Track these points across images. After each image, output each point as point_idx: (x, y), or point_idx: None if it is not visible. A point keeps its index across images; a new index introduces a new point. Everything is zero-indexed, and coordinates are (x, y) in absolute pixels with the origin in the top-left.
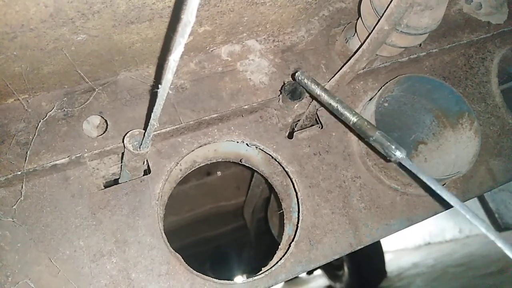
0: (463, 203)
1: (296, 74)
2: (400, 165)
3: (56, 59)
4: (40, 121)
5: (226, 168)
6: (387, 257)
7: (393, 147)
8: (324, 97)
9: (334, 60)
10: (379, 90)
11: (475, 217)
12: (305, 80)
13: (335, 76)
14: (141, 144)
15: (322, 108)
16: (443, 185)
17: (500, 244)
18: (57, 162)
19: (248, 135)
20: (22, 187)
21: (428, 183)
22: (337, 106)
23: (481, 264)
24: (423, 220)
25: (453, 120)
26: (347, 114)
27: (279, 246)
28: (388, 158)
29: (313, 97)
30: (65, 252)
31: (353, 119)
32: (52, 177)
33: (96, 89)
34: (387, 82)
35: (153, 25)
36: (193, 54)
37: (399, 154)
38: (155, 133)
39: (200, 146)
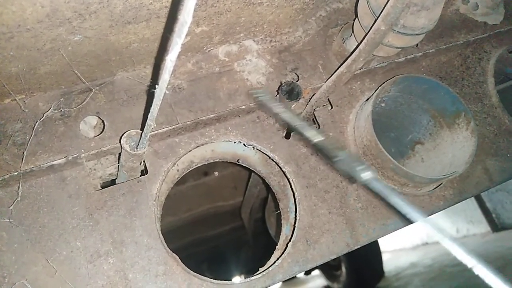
0: (425, 218)
1: (253, 92)
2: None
3: (53, 59)
4: (37, 122)
5: (224, 168)
6: (385, 257)
7: (361, 167)
8: (285, 116)
9: (331, 60)
10: (376, 90)
11: (438, 230)
12: (263, 100)
13: (332, 76)
14: (138, 144)
15: (320, 108)
16: (440, 185)
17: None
18: (54, 162)
19: (245, 135)
20: (19, 188)
21: (394, 203)
22: (295, 126)
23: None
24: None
25: (449, 120)
26: (308, 133)
27: (276, 246)
28: (354, 179)
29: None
30: (62, 253)
31: (315, 138)
32: (49, 178)
33: (93, 90)
34: (384, 82)
35: (150, 25)
36: (190, 54)
37: (367, 175)
38: (152, 133)
39: (197, 147)
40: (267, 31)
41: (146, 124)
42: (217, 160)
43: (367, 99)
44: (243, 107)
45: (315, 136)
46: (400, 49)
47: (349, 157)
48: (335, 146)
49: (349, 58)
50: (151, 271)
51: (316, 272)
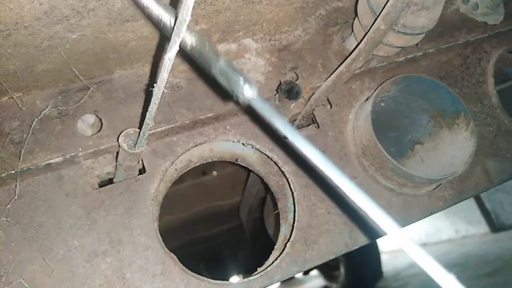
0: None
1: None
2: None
3: (51, 57)
4: (34, 120)
5: (222, 167)
6: (384, 258)
7: (242, 81)
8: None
9: (330, 59)
10: (375, 90)
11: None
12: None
13: (332, 75)
14: (136, 143)
15: (319, 107)
16: (439, 185)
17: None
18: (52, 161)
19: (244, 135)
20: (16, 186)
21: (280, 126)
22: (160, 16)
23: (477, 264)
24: (419, 220)
25: (449, 120)
26: (185, 35)
27: (275, 246)
28: (234, 99)
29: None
30: (59, 252)
31: (191, 39)
32: (46, 176)
33: (91, 88)
34: (384, 82)
35: (148, 23)
36: None
37: (248, 93)
38: (150, 132)
39: (196, 146)
40: (266, 30)
41: (144, 122)
42: (216, 160)
43: (367, 99)
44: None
45: (190, 37)
46: (400, 49)
47: (227, 67)
48: (213, 52)
49: (348, 58)
50: (148, 270)
51: (315, 272)
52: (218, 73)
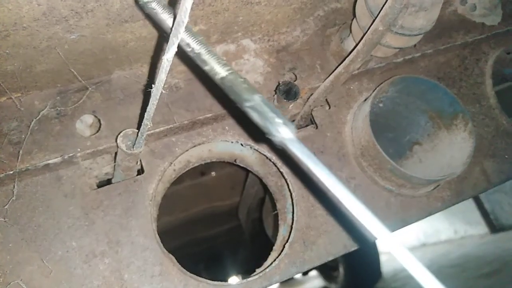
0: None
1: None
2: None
3: (49, 57)
4: (32, 120)
5: (221, 168)
6: (383, 258)
7: (279, 121)
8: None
9: (329, 60)
10: (374, 91)
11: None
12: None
13: (330, 76)
14: (135, 143)
15: (317, 108)
16: (438, 186)
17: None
18: (50, 161)
19: (242, 135)
20: (14, 187)
21: (322, 173)
22: (199, 51)
23: (476, 265)
24: (417, 221)
25: (447, 121)
26: (214, 65)
27: (274, 247)
28: (267, 136)
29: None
30: (57, 253)
31: (223, 72)
32: (44, 177)
33: (90, 88)
34: (382, 83)
35: (147, 24)
36: None
37: (286, 134)
38: (148, 132)
39: (194, 146)
40: (265, 31)
41: (142, 123)
42: (214, 160)
43: (365, 100)
44: None
45: (223, 70)
46: (398, 50)
47: (263, 104)
48: (248, 87)
49: (347, 58)
50: (147, 271)
51: (314, 273)
52: (251, 109)
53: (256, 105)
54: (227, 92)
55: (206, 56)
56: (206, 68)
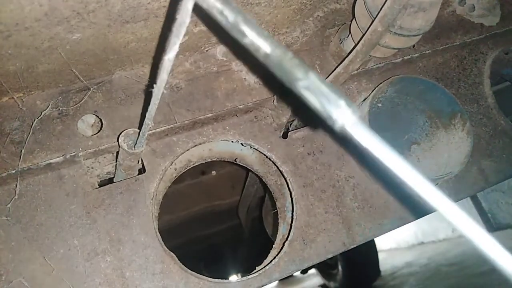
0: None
1: None
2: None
3: (51, 58)
4: (34, 120)
5: (221, 167)
6: (381, 256)
7: (340, 102)
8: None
9: (328, 60)
10: (372, 91)
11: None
12: None
13: (329, 76)
14: (136, 143)
15: None
16: (436, 185)
17: None
18: (52, 161)
19: (243, 135)
20: (16, 186)
21: (391, 159)
22: (235, 20)
23: (474, 263)
24: (415, 219)
25: (445, 120)
26: (255, 37)
27: (273, 245)
28: (327, 122)
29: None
30: (59, 251)
31: (267, 47)
32: (46, 176)
33: (91, 88)
34: (381, 83)
35: (148, 25)
36: (188, 54)
37: (348, 116)
38: (150, 132)
39: (195, 146)
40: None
41: (144, 123)
42: (215, 159)
43: (364, 100)
44: (241, 106)
45: (263, 44)
46: (396, 50)
47: (322, 83)
48: (298, 62)
49: (346, 59)
50: (148, 269)
51: (313, 271)
52: (306, 90)
53: (312, 85)
54: (274, 70)
55: (244, 27)
56: (245, 41)
